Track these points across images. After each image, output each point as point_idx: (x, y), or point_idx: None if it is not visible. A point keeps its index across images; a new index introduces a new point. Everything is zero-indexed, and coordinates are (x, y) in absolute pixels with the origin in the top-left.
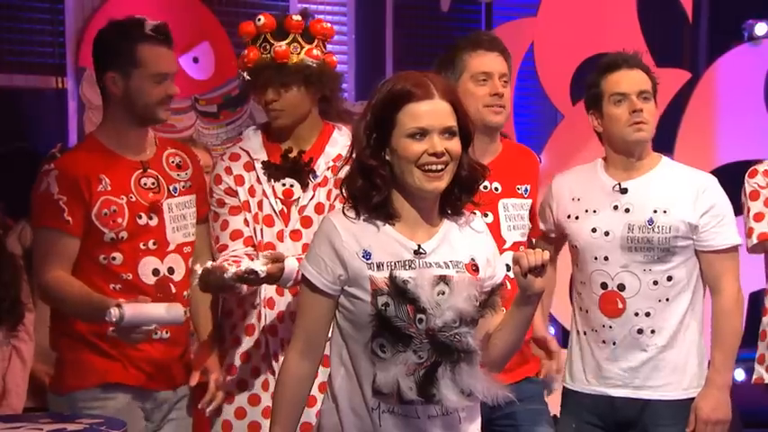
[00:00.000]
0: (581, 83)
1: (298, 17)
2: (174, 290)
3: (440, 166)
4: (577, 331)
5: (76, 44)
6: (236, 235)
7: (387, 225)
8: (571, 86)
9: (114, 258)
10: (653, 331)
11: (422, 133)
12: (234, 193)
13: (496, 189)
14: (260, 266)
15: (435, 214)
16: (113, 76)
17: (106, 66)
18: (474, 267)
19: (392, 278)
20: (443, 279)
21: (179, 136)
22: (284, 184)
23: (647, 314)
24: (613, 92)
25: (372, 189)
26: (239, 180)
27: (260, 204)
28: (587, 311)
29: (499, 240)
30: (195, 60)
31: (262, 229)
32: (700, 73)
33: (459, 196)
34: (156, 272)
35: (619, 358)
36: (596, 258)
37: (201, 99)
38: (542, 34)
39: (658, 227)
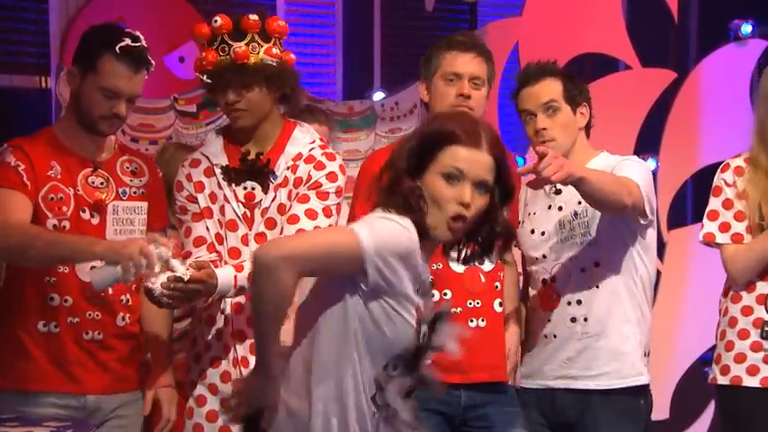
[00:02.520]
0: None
1: (254, 16)
2: (110, 291)
3: (464, 215)
4: (526, 331)
5: (60, 44)
6: (199, 242)
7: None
8: None
9: None
10: (585, 319)
11: (457, 177)
12: (194, 200)
13: None
14: (182, 269)
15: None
16: (73, 69)
17: (74, 58)
18: None
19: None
20: None
21: (158, 136)
22: (245, 188)
23: (579, 302)
24: (521, 109)
25: (406, 208)
26: (199, 187)
27: (222, 209)
28: (533, 310)
29: None
30: (181, 60)
31: (226, 235)
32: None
33: (474, 247)
34: (93, 269)
35: (558, 350)
36: (537, 258)
37: (181, 99)
38: (527, 34)
39: (581, 215)
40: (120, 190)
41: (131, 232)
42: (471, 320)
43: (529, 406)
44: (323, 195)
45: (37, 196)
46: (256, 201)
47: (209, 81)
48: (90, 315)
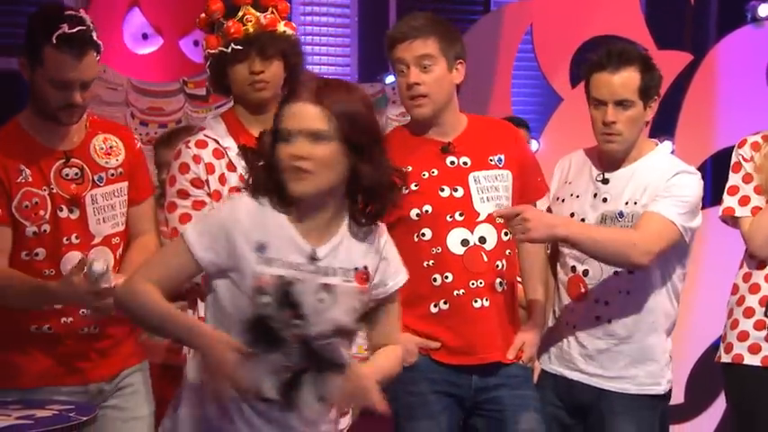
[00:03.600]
0: (581, 65)
1: None
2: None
3: (303, 167)
4: (553, 310)
5: None
6: None
7: (289, 221)
8: (570, 69)
9: (37, 254)
10: (610, 321)
11: (286, 135)
12: (201, 185)
13: (465, 163)
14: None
15: (338, 219)
16: (24, 62)
17: (22, 49)
18: (364, 276)
19: (280, 280)
20: (327, 288)
21: (167, 119)
22: None
23: (606, 303)
24: (592, 95)
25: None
26: (210, 168)
27: (234, 192)
28: (558, 291)
29: (473, 213)
30: (196, 44)
31: None
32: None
33: (365, 206)
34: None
35: (578, 342)
36: None
37: (190, 82)
38: (541, 16)
39: (626, 218)
40: (96, 177)
41: (114, 217)
42: (476, 301)
43: (545, 387)
44: None
45: (10, 207)
46: None
47: (237, 48)
48: (84, 312)
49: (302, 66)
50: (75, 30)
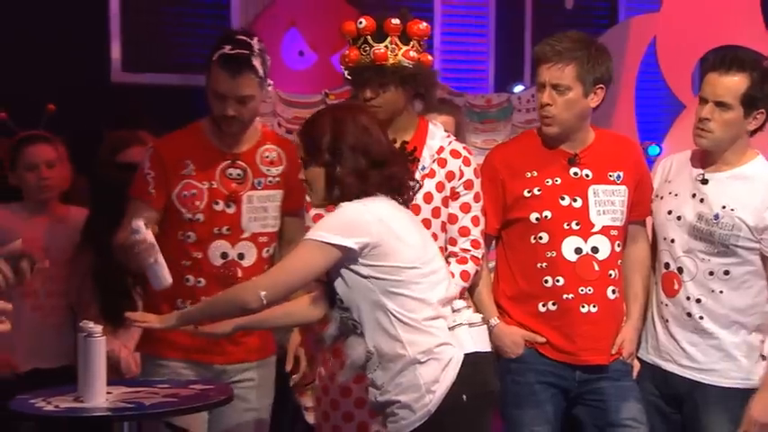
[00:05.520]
0: (703, 74)
1: (396, 20)
2: (240, 274)
3: None
4: (651, 303)
5: None
6: None
7: None
8: (693, 78)
9: (189, 237)
10: (701, 317)
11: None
12: None
13: (587, 176)
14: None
15: None
16: (207, 75)
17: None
18: None
19: None
20: None
21: None
22: None
23: (698, 300)
24: (700, 92)
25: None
26: None
27: None
28: (655, 287)
29: (588, 224)
30: None
31: None
32: None
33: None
34: (224, 255)
35: (671, 335)
36: (665, 239)
37: (331, 94)
38: (665, 28)
39: (722, 223)
40: (256, 180)
41: (264, 218)
42: (583, 306)
43: (644, 377)
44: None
45: (171, 195)
46: None
47: (348, 78)
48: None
49: (425, 89)
50: (234, 52)
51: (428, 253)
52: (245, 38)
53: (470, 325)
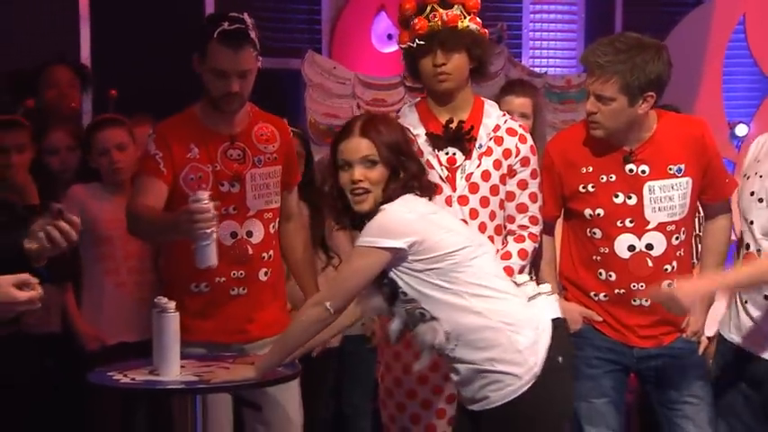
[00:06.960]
0: None
1: None
2: (250, 251)
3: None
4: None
5: (330, 30)
6: None
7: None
8: None
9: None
10: None
11: (343, 165)
12: None
13: (643, 172)
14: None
15: None
16: (196, 58)
17: (195, 46)
18: None
19: None
20: None
21: (390, 109)
22: (447, 153)
23: None
24: None
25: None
26: None
27: None
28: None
29: (643, 221)
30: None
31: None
32: None
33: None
34: (234, 234)
35: (750, 318)
36: (746, 219)
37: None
38: (755, 5)
39: None
40: (256, 158)
41: (268, 195)
42: (635, 300)
43: (726, 357)
44: (531, 171)
45: (178, 178)
46: (457, 165)
47: (420, 43)
48: (234, 274)
49: (486, 58)
50: (233, 27)
51: (475, 234)
52: (237, 14)
53: (548, 294)
